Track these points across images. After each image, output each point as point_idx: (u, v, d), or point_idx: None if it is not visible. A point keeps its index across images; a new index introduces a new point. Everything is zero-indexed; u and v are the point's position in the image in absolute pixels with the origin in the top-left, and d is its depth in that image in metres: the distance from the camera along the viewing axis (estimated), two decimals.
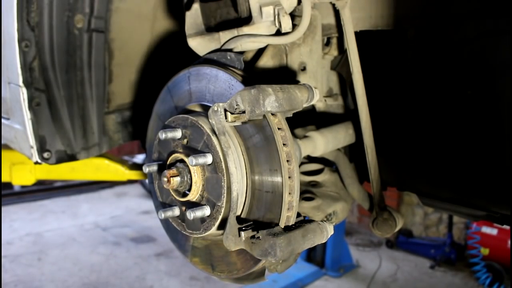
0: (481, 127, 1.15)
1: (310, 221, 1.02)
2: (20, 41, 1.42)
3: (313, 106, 1.40)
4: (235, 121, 0.96)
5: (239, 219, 1.02)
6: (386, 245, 5.82)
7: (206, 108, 1.09)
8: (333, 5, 1.23)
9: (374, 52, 1.47)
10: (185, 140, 1.06)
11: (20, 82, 1.46)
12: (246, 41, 1.14)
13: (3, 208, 6.78)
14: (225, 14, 1.19)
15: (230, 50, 1.15)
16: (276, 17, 1.08)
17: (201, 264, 1.19)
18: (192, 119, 1.04)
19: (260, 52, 1.22)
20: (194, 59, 1.20)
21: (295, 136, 1.27)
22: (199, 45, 1.23)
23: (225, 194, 1.00)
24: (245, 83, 1.03)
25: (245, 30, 1.14)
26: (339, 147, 1.37)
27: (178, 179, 1.04)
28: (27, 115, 1.50)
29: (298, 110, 0.99)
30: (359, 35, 1.25)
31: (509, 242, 4.78)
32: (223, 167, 1.00)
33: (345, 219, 5.77)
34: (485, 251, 4.91)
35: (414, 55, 1.22)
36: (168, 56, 1.76)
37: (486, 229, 4.94)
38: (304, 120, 1.38)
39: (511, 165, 1.10)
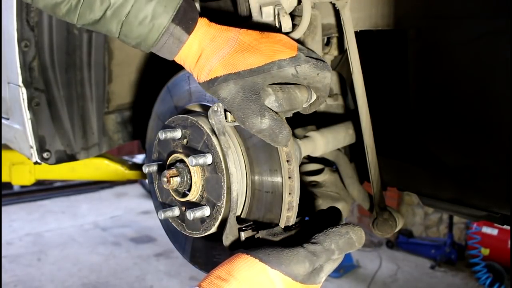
0: (481, 127, 1.15)
1: (310, 221, 1.02)
2: (19, 40, 1.42)
3: None
4: (235, 121, 0.96)
5: (239, 219, 1.02)
6: (386, 245, 5.82)
7: (206, 108, 1.08)
8: (333, 5, 1.23)
9: (374, 52, 1.47)
10: (185, 140, 1.06)
11: (20, 82, 1.46)
12: None
13: (2, 208, 6.78)
14: (225, 14, 1.19)
15: None
16: (276, 17, 1.08)
17: (200, 264, 1.19)
18: (192, 119, 1.04)
19: None
20: None
21: (295, 136, 1.27)
22: None
23: (225, 194, 1.00)
24: None
25: None
26: (339, 147, 1.37)
27: (178, 179, 1.03)
28: (26, 115, 1.50)
29: (298, 110, 0.99)
30: (359, 35, 1.24)
31: (509, 242, 4.78)
32: (223, 167, 0.99)
33: (345, 219, 5.77)
34: (485, 251, 4.91)
35: (414, 55, 1.22)
36: None
37: (487, 229, 4.94)
38: (304, 120, 1.38)
39: (511, 165, 1.10)
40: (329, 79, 0.95)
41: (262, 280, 0.81)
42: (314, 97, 0.98)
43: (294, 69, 0.90)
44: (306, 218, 1.05)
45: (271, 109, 0.90)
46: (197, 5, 1.21)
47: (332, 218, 0.99)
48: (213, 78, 0.89)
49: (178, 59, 0.93)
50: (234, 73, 0.88)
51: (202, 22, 0.91)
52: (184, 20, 0.88)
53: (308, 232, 0.93)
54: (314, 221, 0.99)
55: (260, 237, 0.95)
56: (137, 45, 0.91)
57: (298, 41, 1.12)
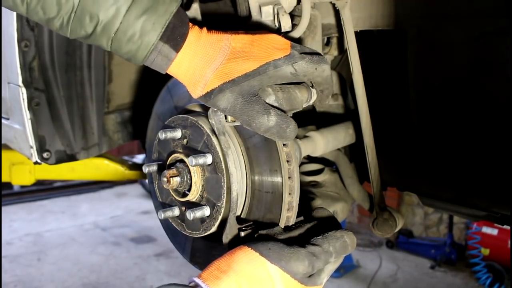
0: (481, 127, 1.15)
1: (310, 221, 1.01)
2: (19, 41, 1.42)
3: (313, 106, 1.40)
4: (235, 121, 0.96)
5: (239, 219, 1.02)
6: (386, 245, 5.82)
7: (206, 108, 1.08)
8: (333, 5, 1.23)
9: (374, 52, 1.47)
10: (185, 140, 1.06)
11: (20, 82, 1.46)
12: None
13: (2, 208, 6.78)
14: (224, 14, 1.19)
15: None
16: (276, 16, 1.08)
17: (200, 264, 1.19)
18: (192, 119, 1.04)
19: None
20: None
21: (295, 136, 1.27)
22: None
23: (225, 194, 1.00)
24: None
25: None
26: (339, 147, 1.37)
27: (178, 179, 1.03)
28: (26, 115, 1.50)
29: (298, 110, 0.99)
30: (359, 35, 1.24)
31: (509, 242, 4.78)
32: (223, 167, 0.99)
33: (345, 219, 5.77)
34: (485, 251, 4.91)
35: (414, 55, 1.22)
36: None
37: (487, 229, 4.94)
38: (304, 120, 1.38)
39: (511, 165, 1.10)
40: (328, 71, 0.95)
41: (261, 275, 0.81)
42: (314, 97, 0.98)
43: (292, 67, 0.89)
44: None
45: (273, 106, 0.90)
46: (197, 5, 1.21)
47: (329, 222, 1.00)
48: (209, 91, 0.88)
49: (170, 73, 0.93)
50: (229, 81, 0.87)
51: (192, 37, 0.89)
52: (173, 37, 0.87)
53: (306, 235, 0.94)
54: (312, 224, 0.99)
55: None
56: (128, 59, 0.90)
57: (297, 40, 1.12)
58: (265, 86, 0.90)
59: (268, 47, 0.90)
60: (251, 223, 1.01)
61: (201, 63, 0.89)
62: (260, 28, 1.08)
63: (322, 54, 0.95)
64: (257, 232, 0.96)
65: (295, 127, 0.92)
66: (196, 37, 0.89)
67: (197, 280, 0.81)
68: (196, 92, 0.90)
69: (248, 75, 0.87)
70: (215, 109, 0.98)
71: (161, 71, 0.92)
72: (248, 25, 1.11)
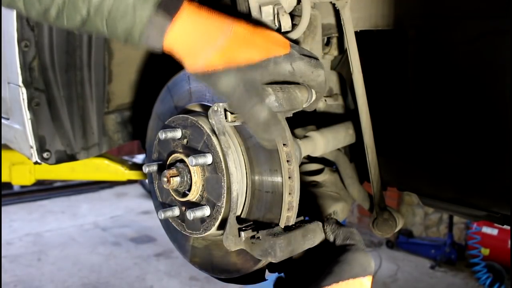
0: (481, 127, 1.15)
1: (310, 221, 1.02)
2: (19, 41, 1.42)
3: None
4: (235, 121, 0.96)
5: (239, 219, 1.02)
6: (386, 245, 5.82)
7: (206, 108, 1.09)
8: (333, 5, 1.23)
9: (374, 52, 1.47)
10: (185, 140, 1.06)
11: (20, 82, 1.46)
12: None
13: (2, 208, 6.78)
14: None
15: None
16: (276, 16, 1.08)
17: (200, 264, 1.19)
18: (192, 119, 1.04)
19: None
20: None
21: (295, 136, 1.27)
22: None
23: (225, 194, 1.00)
24: None
25: None
26: (339, 147, 1.37)
27: (178, 179, 1.03)
28: (26, 115, 1.49)
29: (298, 110, 0.99)
30: (359, 35, 1.25)
31: (509, 242, 4.78)
32: (223, 167, 0.99)
33: (345, 219, 5.77)
34: (485, 251, 4.91)
35: (414, 55, 1.22)
36: (168, 56, 1.75)
37: (487, 229, 4.94)
38: (304, 120, 1.38)
39: (511, 165, 1.10)
40: (323, 76, 0.96)
41: None
42: (314, 96, 0.98)
43: (290, 66, 0.90)
44: (307, 218, 1.05)
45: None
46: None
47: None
48: (211, 70, 0.87)
49: (166, 48, 0.90)
50: (234, 67, 0.87)
51: (191, 10, 0.87)
52: (167, 8, 0.85)
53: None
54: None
55: (260, 237, 0.95)
56: (126, 41, 0.88)
57: (296, 41, 1.12)
58: (265, 80, 0.90)
59: (270, 42, 0.91)
60: (251, 223, 1.01)
61: (203, 37, 0.87)
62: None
63: (320, 58, 0.96)
64: (257, 232, 0.96)
65: (283, 129, 0.94)
66: (195, 11, 0.88)
67: None
68: (195, 66, 0.88)
69: (251, 66, 0.88)
70: (215, 109, 0.98)
71: (157, 46, 0.89)
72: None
